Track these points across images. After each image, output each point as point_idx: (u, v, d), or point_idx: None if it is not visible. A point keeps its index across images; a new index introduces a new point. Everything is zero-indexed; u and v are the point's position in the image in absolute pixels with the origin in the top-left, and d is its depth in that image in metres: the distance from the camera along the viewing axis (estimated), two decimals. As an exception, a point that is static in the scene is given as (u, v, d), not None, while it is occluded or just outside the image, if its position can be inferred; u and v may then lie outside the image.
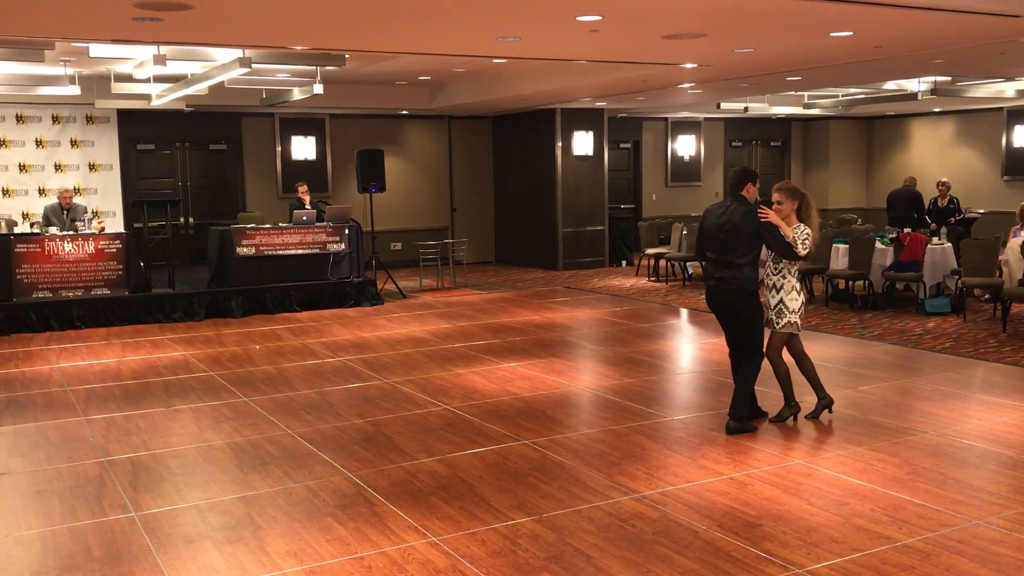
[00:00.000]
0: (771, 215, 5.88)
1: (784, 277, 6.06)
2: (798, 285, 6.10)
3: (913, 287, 11.26)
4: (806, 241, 5.92)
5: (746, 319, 6.01)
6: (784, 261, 6.03)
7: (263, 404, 7.01)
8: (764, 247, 5.96)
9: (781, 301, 6.05)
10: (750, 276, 5.93)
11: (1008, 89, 13.37)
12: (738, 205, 5.95)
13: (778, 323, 6.07)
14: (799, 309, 6.06)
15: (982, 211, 15.91)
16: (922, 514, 4.55)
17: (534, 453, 5.66)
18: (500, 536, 4.38)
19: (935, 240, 11.04)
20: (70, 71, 11.00)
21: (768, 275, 6.15)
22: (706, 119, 18.60)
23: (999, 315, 9.77)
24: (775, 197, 6.05)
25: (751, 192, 6.01)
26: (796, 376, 6.26)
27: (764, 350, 6.08)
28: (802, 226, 5.97)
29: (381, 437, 6.08)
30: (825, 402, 6.28)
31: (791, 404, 6.21)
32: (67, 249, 10.77)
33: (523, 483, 5.11)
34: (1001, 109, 16.82)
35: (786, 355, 6.16)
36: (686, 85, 12.55)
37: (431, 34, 8.04)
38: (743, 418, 6.01)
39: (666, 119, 18.32)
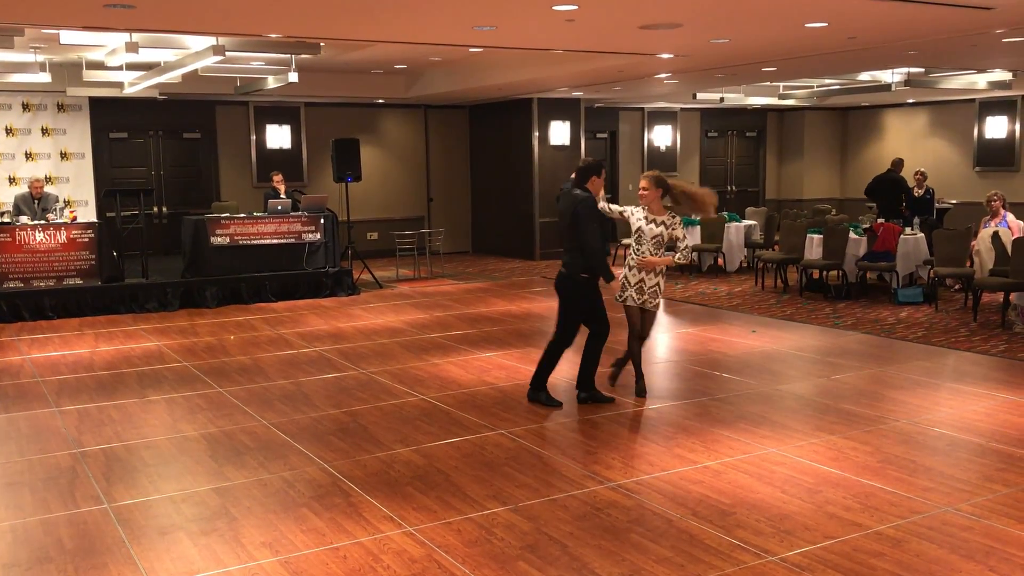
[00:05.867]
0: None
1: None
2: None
3: (886, 277, 11.37)
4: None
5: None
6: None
7: (238, 395, 6.98)
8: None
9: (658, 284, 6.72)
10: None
11: (980, 81, 13.49)
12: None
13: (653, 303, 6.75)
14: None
15: (954, 201, 16.07)
16: (893, 501, 4.61)
17: (510, 443, 5.67)
18: (476, 526, 4.38)
19: (908, 230, 11.14)
20: (40, 58, 10.87)
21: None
22: (682, 109, 18.64)
23: (970, 305, 9.88)
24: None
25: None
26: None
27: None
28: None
29: (357, 427, 6.07)
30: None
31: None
32: (38, 239, 10.65)
33: (499, 473, 5.13)
34: (973, 100, 16.97)
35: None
36: (662, 75, 12.57)
37: (406, 23, 8.00)
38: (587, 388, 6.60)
39: (643, 109, 18.34)
